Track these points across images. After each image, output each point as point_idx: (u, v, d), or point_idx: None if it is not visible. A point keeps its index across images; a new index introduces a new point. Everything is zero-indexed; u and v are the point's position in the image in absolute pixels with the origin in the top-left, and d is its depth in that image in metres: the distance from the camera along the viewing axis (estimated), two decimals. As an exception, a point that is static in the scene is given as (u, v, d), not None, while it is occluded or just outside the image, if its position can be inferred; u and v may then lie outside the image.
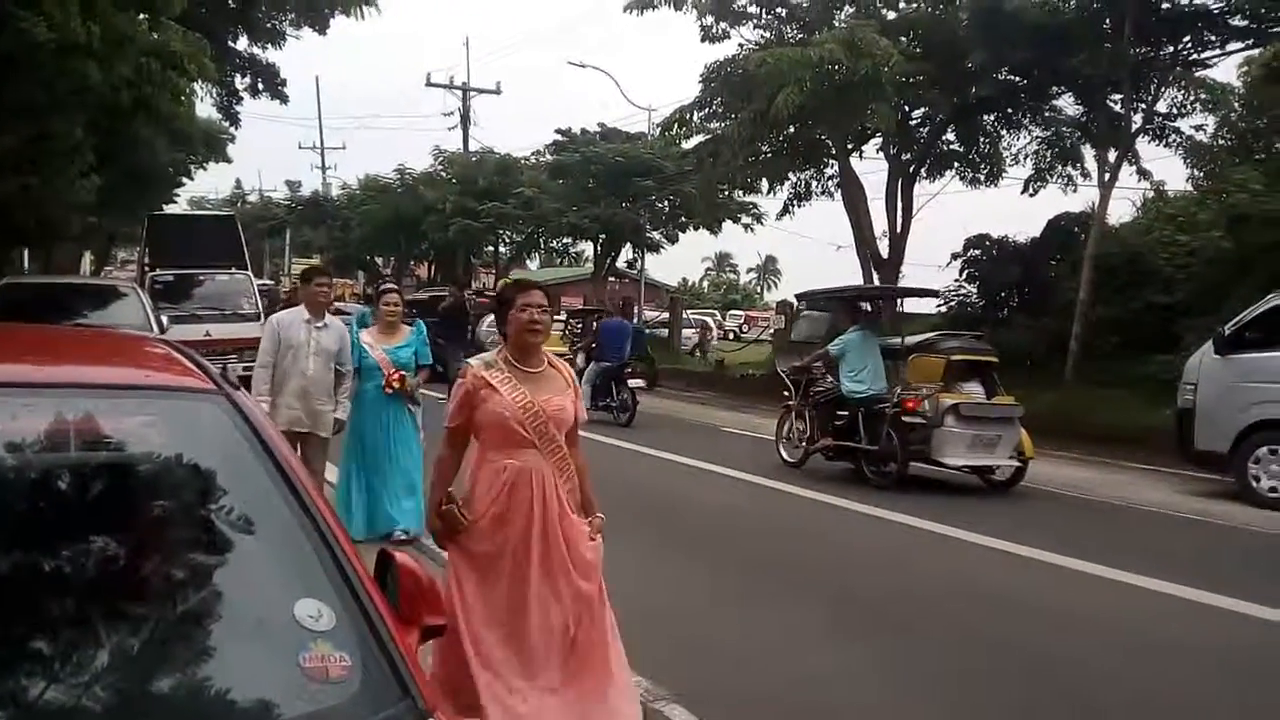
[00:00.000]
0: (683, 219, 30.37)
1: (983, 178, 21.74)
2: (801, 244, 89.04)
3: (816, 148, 21.92)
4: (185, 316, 13.76)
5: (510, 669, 3.27)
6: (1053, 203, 51.26)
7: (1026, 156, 20.62)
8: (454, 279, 34.95)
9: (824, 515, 8.97)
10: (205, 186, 70.59)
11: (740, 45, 21.65)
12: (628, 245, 32.15)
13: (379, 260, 45.35)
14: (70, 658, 1.61)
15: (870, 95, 17.82)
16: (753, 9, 21.48)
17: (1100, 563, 6.93)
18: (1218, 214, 17.03)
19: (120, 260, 47.94)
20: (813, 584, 6.53)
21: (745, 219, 28.72)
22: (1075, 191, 20.70)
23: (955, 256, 21.20)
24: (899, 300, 18.43)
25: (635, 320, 24.76)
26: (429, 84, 35.83)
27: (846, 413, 10.46)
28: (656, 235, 31.71)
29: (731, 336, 39.27)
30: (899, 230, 21.27)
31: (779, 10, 21.58)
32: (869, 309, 13.09)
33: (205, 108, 21.92)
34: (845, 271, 28.84)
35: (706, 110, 21.86)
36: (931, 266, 41.39)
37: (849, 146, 21.30)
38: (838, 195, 22.20)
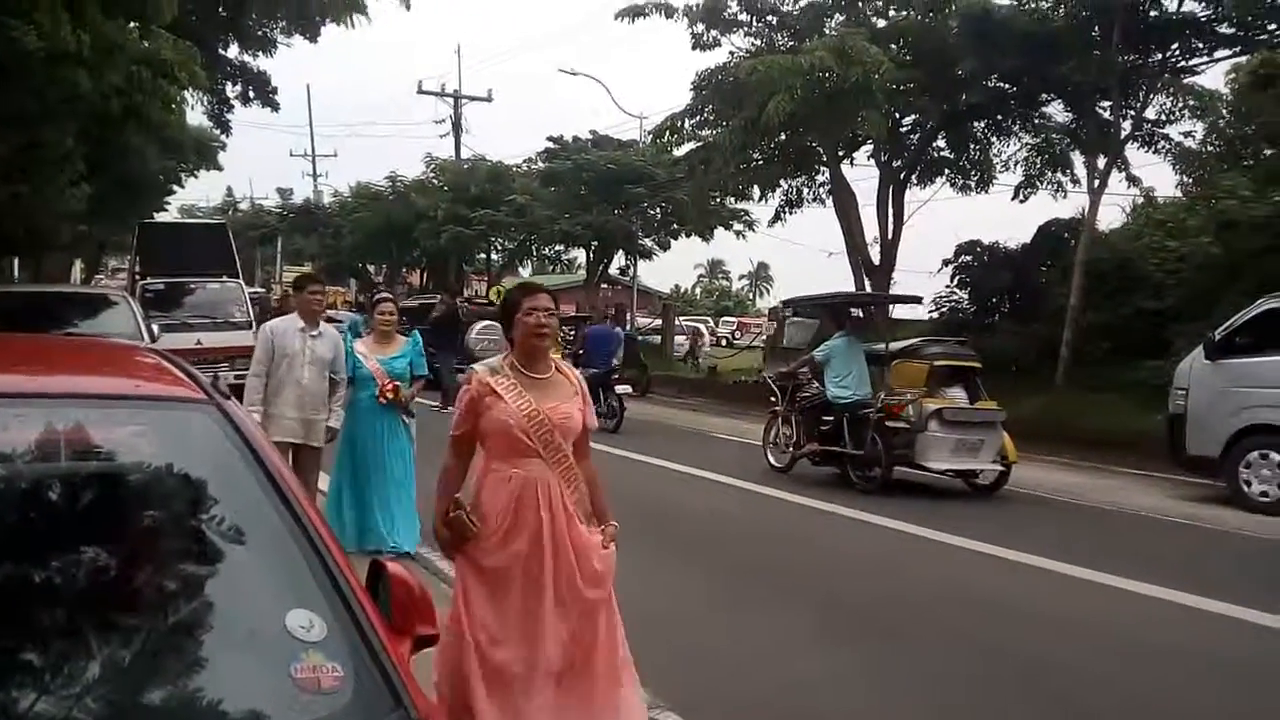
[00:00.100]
0: (675, 226, 30.44)
1: (973, 184, 21.85)
2: (793, 251, 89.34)
3: (807, 155, 21.99)
4: (176, 325, 13.72)
5: (520, 683, 3.19)
6: (1043, 209, 51.59)
7: (1017, 163, 20.75)
8: (446, 286, 34.94)
9: (812, 520, 8.99)
10: (196, 194, 70.63)
11: (731, 53, 21.76)
12: (620, 252, 32.22)
13: (371, 268, 45.29)
14: (61, 669, 1.61)
15: (861, 102, 17.89)
16: (743, 17, 21.57)
17: (1091, 567, 6.95)
18: (1207, 220, 17.12)
19: (111, 269, 47.78)
20: (802, 589, 6.53)
21: (737, 226, 28.81)
22: (1065, 198, 20.82)
23: (946, 263, 21.26)
24: (890, 306, 18.45)
25: (628, 327, 24.79)
26: (420, 91, 35.87)
27: (832, 418, 10.55)
28: (648, 242, 31.77)
29: (724, 343, 39.31)
30: (890, 237, 21.34)
31: (770, 18, 21.67)
32: (860, 315, 13.14)
33: (196, 115, 21.92)
34: (837, 278, 28.86)
35: (698, 117, 21.93)
36: (923, 273, 41.47)
37: (840, 153, 21.37)
38: (829, 202, 22.29)
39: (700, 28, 21.27)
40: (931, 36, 19.24)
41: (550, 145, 32.46)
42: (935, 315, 21.74)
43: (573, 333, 21.20)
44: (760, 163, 21.76)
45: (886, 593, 6.55)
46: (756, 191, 22.95)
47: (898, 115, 20.38)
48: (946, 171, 21.92)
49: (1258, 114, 15.06)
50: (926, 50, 19.03)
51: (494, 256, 38.29)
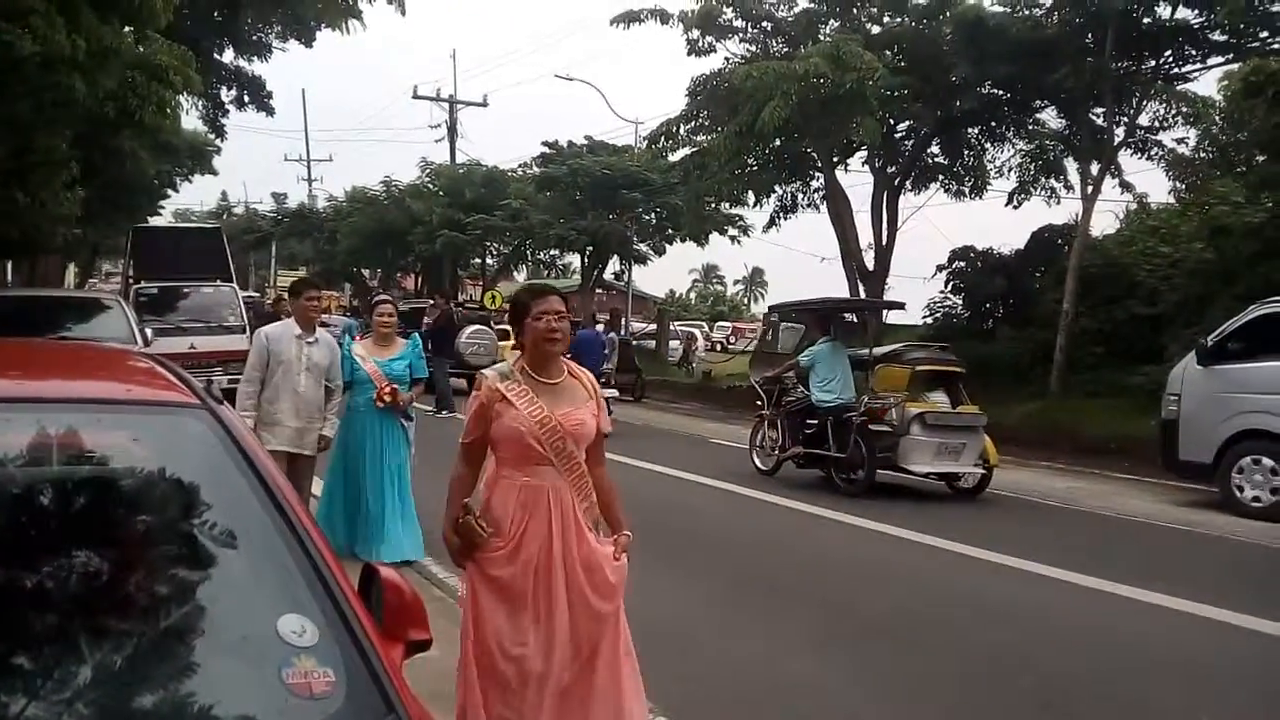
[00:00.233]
0: (670, 231, 30.43)
1: (967, 190, 21.89)
2: (788, 256, 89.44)
3: (802, 160, 22.03)
4: (170, 329, 13.67)
5: (533, 693, 3.12)
6: (1037, 215, 51.61)
7: (1010, 169, 20.78)
8: (441, 291, 34.93)
9: (797, 523, 9.03)
10: (191, 199, 70.46)
11: (726, 59, 21.80)
12: (615, 257, 32.20)
13: (365, 272, 45.25)
14: (53, 673, 1.61)
15: (855, 108, 17.93)
16: (738, 23, 21.60)
17: (1084, 572, 6.95)
18: (1200, 226, 17.19)
19: (105, 273, 47.71)
20: (790, 592, 6.52)
21: (732, 231, 28.82)
22: (1059, 204, 20.86)
23: (940, 268, 21.33)
24: (883, 312, 18.53)
25: (623, 332, 24.81)
26: (416, 96, 35.90)
27: (816, 421, 10.66)
28: (643, 247, 31.76)
29: (718, 348, 39.34)
30: (884, 242, 21.39)
31: (764, 25, 21.71)
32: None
33: (191, 120, 21.89)
34: (832, 283, 28.95)
35: (693, 123, 21.97)
36: (917, 278, 41.64)
37: (834, 159, 21.41)
38: (823, 208, 22.31)
39: (695, 34, 21.30)
40: (925, 43, 19.31)
41: (545, 150, 32.46)
42: (929, 321, 21.81)
43: (567, 337, 21.16)
44: (755, 168, 21.78)
45: (877, 596, 6.55)
46: (751, 197, 22.96)
47: (892, 121, 20.44)
48: (941, 177, 21.98)
49: (1250, 120, 15.10)
50: (921, 57, 19.09)
51: (489, 261, 38.28)
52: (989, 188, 21.74)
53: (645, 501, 9.68)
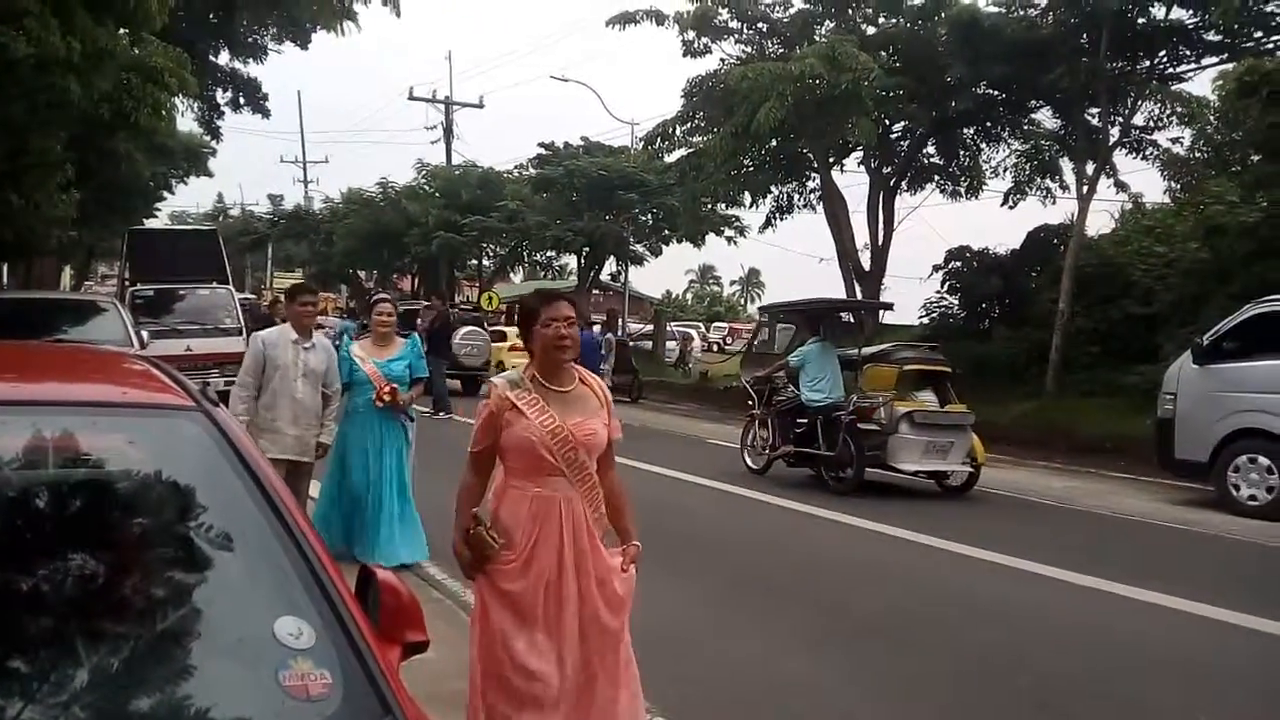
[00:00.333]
0: (666, 232, 30.44)
1: (963, 190, 21.93)
2: (784, 256, 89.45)
3: (798, 161, 22.04)
4: (166, 331, 13.66)
5: (548, 708, 3.07)
6: (1032, 215, 51.74)
7: (1006, 169, 20.81)
8: (437, 292, 34.91)
9: (793, 522, 9.05)
10: (186, 201, 70.48)
11: (722, 60, 21.83)
12: (611, 258, 32.19)
13: (362, 274, 45.24)
14: (48, 677, 1.60)
15: (851, 109, 17.96)
16: (734, 24, 21.63)
17: (1081, 571, 6.96)
18: (1195, 225, 17.23)
19: (101, 275, 47.66)
20: (785, 591, 6.52)
21: (728, 232, 28.82)
22: (1054, 204, 20.90)
23: (937, 268, 21.36)
24: (880, 313, 18.57)
25: (619, 333, 24.81)
26: (412, 98, 35.90)
27: (806, 421, 10.73)
28: (640, 248, 31.77)
29: (716, 348, 39.35)
30: (881, 243, 21.41)
31: (760, 25, 21.73)
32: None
33: (186, 122, 21.91)
34: (829, 284, 28.98)
35: (689, 124, 22.00)
36: (913, 279, 41.71)
37: (830, 160, 21.43)
38: (819, 208, 22.33)
39: (691, 35, 21.33)
40: (921, 44, 19.34)
41: (541, 151, 32.47)
42: (926, 321, 21.84)
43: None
44: (751, 169, 21.80)
45: (873, 596, 6.55)
46: (748, 197, 22.97)
47: (888, 122, 20.47)
48: (936, 178, 22.02)
49: (1245, 120, 15.16)
50: (916, 57, 19.12)
51: (485, 262, 38.28)
52: (984, 188, 21.78)
53: (641, 502, 9.65)
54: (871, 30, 20.74)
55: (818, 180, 22.04)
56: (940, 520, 8.85)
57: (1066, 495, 10.92)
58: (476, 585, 3.20)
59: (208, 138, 24.30)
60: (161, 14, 10.22)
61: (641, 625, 3.28)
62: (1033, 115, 19.91)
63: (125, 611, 1.77)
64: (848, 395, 10.59)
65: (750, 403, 11.94)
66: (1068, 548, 7.93)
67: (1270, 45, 15.75)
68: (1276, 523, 9.26)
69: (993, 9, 17.93)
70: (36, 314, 11.47)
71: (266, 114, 22.61)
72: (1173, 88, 17.58)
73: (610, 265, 33.10)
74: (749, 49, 21.88)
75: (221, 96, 21.81)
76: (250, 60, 21.03)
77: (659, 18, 21.24)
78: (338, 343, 6.73)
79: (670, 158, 24.07)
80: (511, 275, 44.72)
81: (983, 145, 21.43)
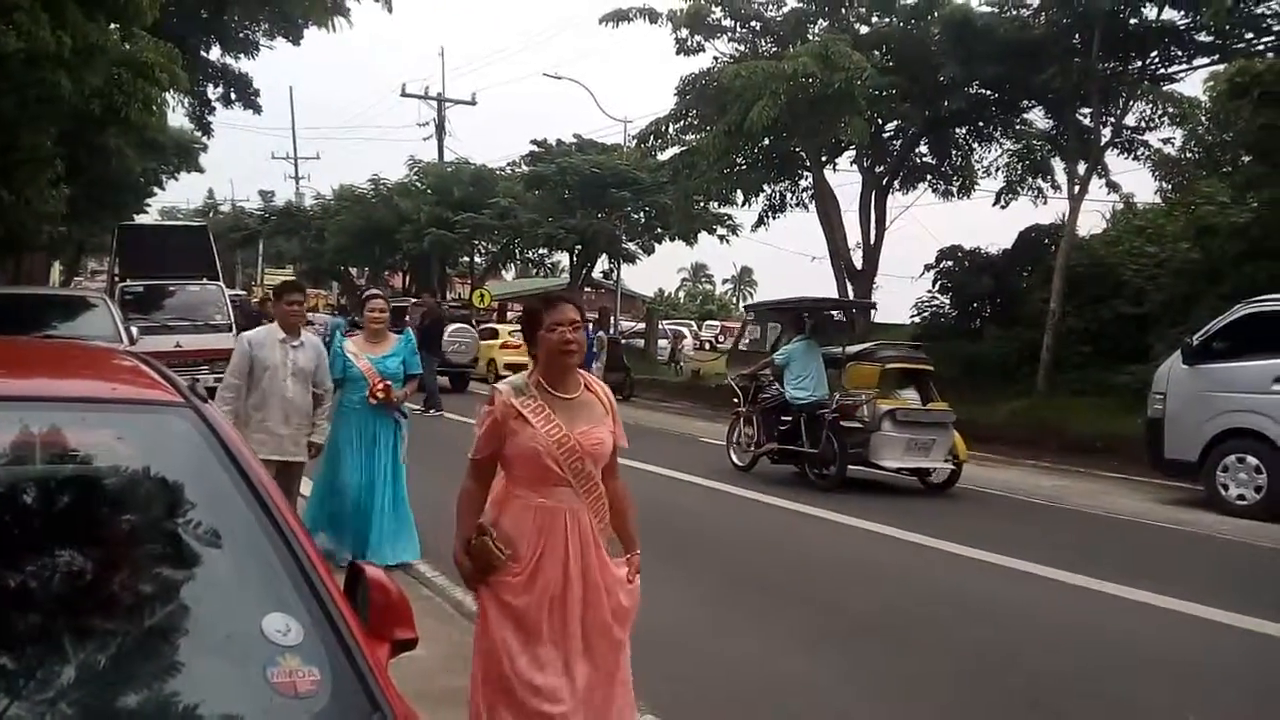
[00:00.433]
0: (658, 230, 30.46)
1: (955, 190, 22.00)
2: (776, 255, 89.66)
3: (790, 160, 22.08)
4: (156, 327, 13.62)
5: (552, 716, 2.99)
6: (1024, 215, 51.89)
7: (998, 169, 20.85)
8: (428, 289, 34.88)
9: (785, 521, 9.07)
10: (177, 196, 70.21)
11: (715, 58, 21.84)
12: (604, 256, 32.22)
13: (353, 270, 45.15)
14: (35, 673, 1.60)
15: (843, 108, 18.00)
16: (727, 22, 21.65)
17: (1071, 570, 6.98)
18: (1186, 225, 17.30)
19: (90, 271, 47.46)
20: (779, 590, 6.53)
21: (720, 230, 28.86)
22: (1045, 204, 21.01)
23: (928, 268, 21.42)
24: (871, 312, 18.65)
25: (612, 331, 24.82)
26: (404, 94, 35.87)
27: (790, 418, 10.82)
28: (632, 246, 31.79)
29: (708, 347, 39.41)
30: (872, 242, 21.46)
31: (753, 24, 21.75)
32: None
33: (177, 117, 21.83)
34: (821, 282, 28.99)
35: (682, 122, 22.01)
36: (905, 278, 41.82)
37: (823, 159, 21.46)
38: (812, 207, 22.37)
39: (684, 33, 21.34)
40: (913, 43, 19.38)
41: (534, 149, 32.46)
42: (917, 320, 21.90)
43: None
44: (744, 167, 21.82)
45: (867, 595, 6.56)
46: (740, 196, 23.01)
47: (880, 121, 20.50)
48: (929, 177, 22.07)
49: (1235, 121, 15.22)
50: (909, 57, 19.16)
51: (477, 260, 38.25)
52: (976, 187, 21.86)
53: (634, 500, 9.70)
54: (864, 29, 20.79)
55: (810, 179, 22.07)
56: (931, 519, 8.87)
57: (1057, 494, 10.95)
58: (479, 597, 3.10)
59: (199, 133, 24.23)
60: (152, 9, 10.19)
61: (635, 623, 3.26)
62: (1025, 115, 19.99)
63: (113, 608, 1.76)
64: (831, 393, 10.69)
65: (736, 400, 12.05)
66: (1058, 547, 7.96)
67: (1261, 46, 15.82)
68: (1265, 522, 9.30)
69: (985, 9, 17.98)
70: (26, 310, 11.43)
71: (258, 109, 22.55)
72: (1164, 88, 17.65)
73: (602, 263, 33.13)
74: (742, 47, 21.90)
75: (213, 92, 21.74)
76: (242, 56, 20.97)
77: (652, 15, 21.25)
78: (329, 340, 6.65)
79: (663, 156, 24.10)
80: (503, 273, 44.72)
81: (975, 145, 21.50)
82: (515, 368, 21.81)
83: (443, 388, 17.36)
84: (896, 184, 22.01)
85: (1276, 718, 4.71)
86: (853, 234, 21.62)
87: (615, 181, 28.74)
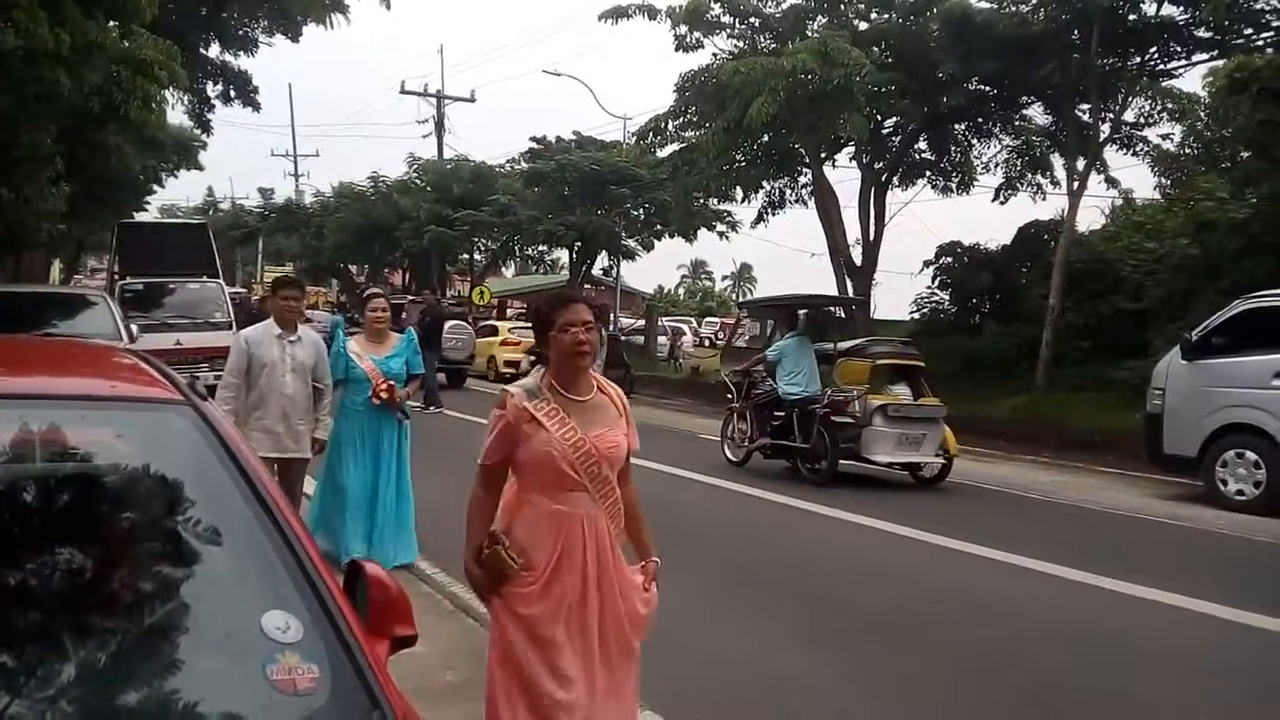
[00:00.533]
0: (658, 226, 30.46)
1: (954, 186, 22.00)
2: (776, 252, 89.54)
3: (790, 156, 22.07)
4: (156, 325, 13.63)
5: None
6: (1023, 211, 51.88)
7: (997, 165, 20.91)
8: (429, 286, 34.87)
9: (784, 518, 9.08)
10: (176, 194, 70.22)
11: (714, 55, 21.85)
12: (603, 253, 32.22)
13: (353, 268, 45.13)
14: (35, 671, 1.60)
15: (843, 104, 17.99)
16: (726, 19, 21.64)
17: (1069, 565, 6.98)
18: (1185, 221, 17.32)
19: (90, 268, 47.44)
20: (777, 587, 6.52)
21: (720, 227, 28.86)
22: (1045, 200, 21.05)
23: (928, 264, 21.43)
24: (870, 308, 18.67)
25: (612, 328, 24.81)
26: (403, 91, 35.82)
27: (783, 413, 10.90)
28: (632, 243, 31.79)
29: (707, 343, 39.40)
30: (872, 238, 21.47)
31: (752, 20, 21.74)
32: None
33: (176, 115, 21.83)
34: (820, 279, 29.00)
35: (681, 119, 22.03)
36: (904, 274, 41.83)
37: (822, 155, 21.46)
38: (811, 203, 22.37)
39: (683, 30, 21.32)
40: (912, 39, 19.36)
41: (534, 146, 32.45)
42: (917, 316, 21.91)
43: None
44: (743, 164, 21.83)
45: (864, 591, 6.56)
46: (739, 192, 23.04)
47: (879, 117, 20.49)
48: (928, 173, 22.08)
49: (1235, 117, 15.22)
50: (908, 53, 19.15)
51: (477, 257, 38.24)
52: (976, 183, 21.90)
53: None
54: (863, 26, 20.78)
55: (809, 175, 22.07)
56: (928, 514, 8.89)
57: (1055, 490, 10.96)
58: (492, 608, 3.00)
59: (198, 131, 24.21)
60: (151, 6, 10.19)
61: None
62: (1024, 111, 20.00)
63: (113, 606, 1.76)
64: (823, 389, 10.80)
65: (729, 396, 12.17)
66: (1056, 542, 7.97)
67: (1260, 42, 15.81)
68: (1264, 518, 9.30)
69: (984, 5, 17.98)
70: (25, 307, 11.43)
71: (257, 107, 22.54)
72: (1163, 84, 17.65)
73: (602, 260, 33.12)
74: (741, 44, 21.90)
75: (212, 89, 21.73)
76: (241, 53, 20.96)
77: (651, 12, 21.24)
78: (330, 338, 6.60)
79: (662, 153, 24.11)
80: (503, 270, 44.68)
81: (974, 141, 21.51)
82: (516, 364, 21.92)
83: (440, 385, 17.37)
84: (896, 180, 22.01)
85: (1275, 713, 4.71)
86: (852, 230, 21.66)
87: (615, 178, 28.73)
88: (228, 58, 21.20)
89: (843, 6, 21.01)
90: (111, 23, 10.62)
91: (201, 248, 16.93)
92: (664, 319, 37.66)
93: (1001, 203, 20.60)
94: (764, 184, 22.95)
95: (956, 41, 17.51)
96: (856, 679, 4.91)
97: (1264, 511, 9.45)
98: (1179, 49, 17.19)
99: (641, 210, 30.15)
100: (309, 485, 6.60)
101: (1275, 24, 15.72)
